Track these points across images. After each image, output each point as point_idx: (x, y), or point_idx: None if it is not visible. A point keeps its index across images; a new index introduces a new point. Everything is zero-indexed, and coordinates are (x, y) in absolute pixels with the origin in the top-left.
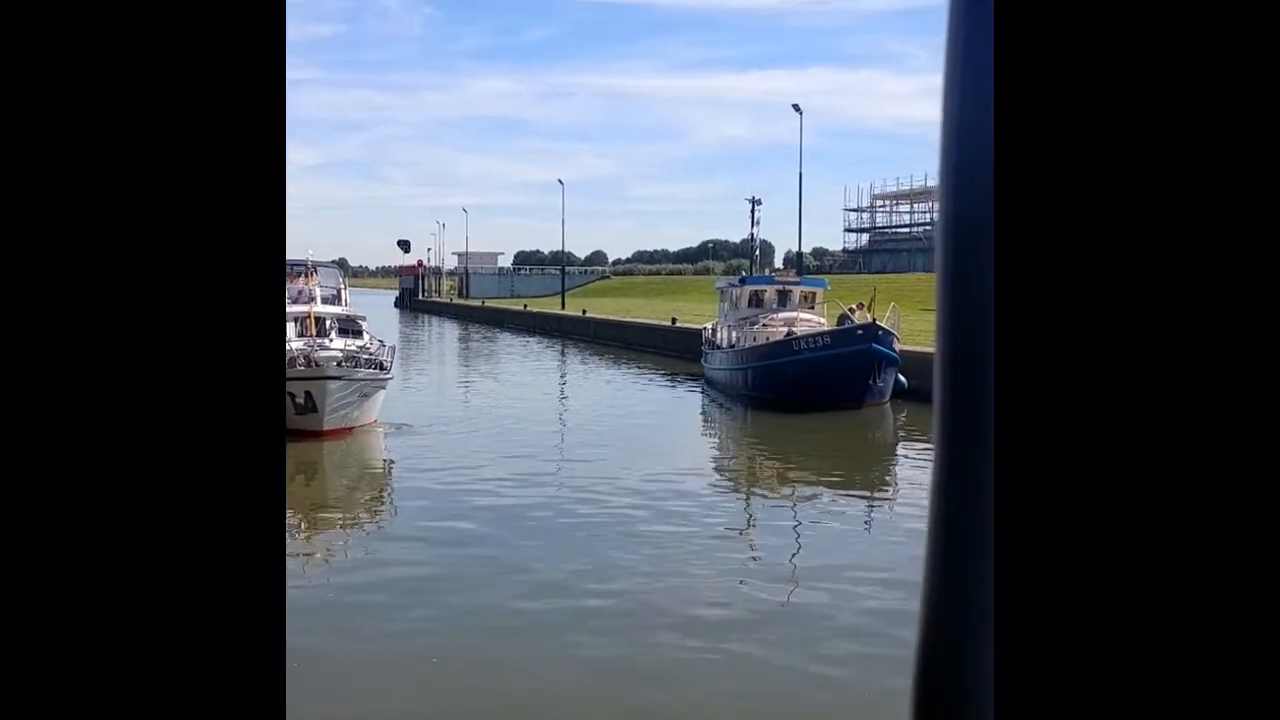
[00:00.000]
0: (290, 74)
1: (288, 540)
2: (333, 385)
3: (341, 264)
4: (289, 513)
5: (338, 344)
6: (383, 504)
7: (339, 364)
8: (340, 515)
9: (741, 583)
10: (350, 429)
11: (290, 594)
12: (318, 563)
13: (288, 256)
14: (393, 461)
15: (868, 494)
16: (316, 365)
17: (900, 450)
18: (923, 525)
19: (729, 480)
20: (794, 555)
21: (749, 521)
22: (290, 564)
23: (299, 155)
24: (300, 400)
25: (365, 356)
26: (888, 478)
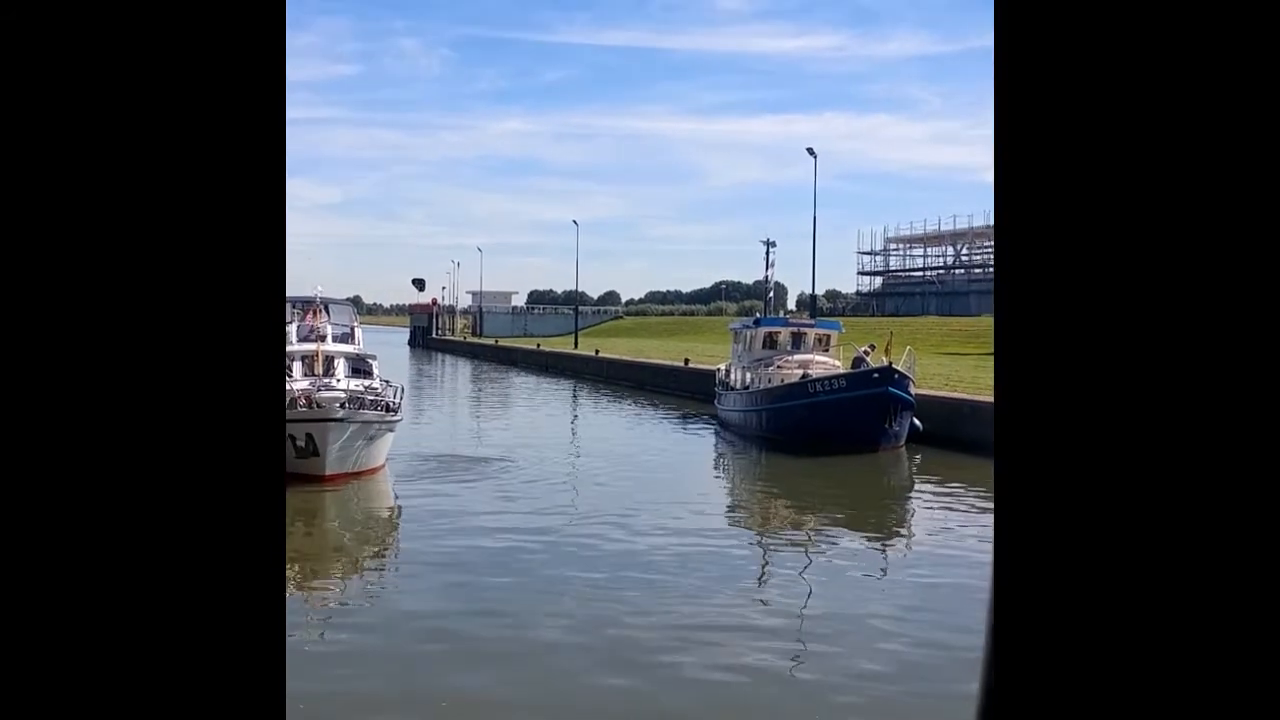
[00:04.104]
0: (309, 113)
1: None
2: (335, 427)
3: (355, 301)
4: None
5: (344, 384)
6: (385, 557)
7: (343, 405)
8: (340, 571)
9: (754, 622)
10: (355, 474)
11: (291, 640)
12: (316, 609)
13: (297, 293)
14: (400, 509)
15: (884, 538)
16: (319, 406)
17: (916, 494)
18: (939, 570)
19: (743, 523)
20: (807, 600)
21: (763, 564)
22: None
23: (318, 193)
24: (301, 443)
25: (371, 397)
26: (905, 521)
